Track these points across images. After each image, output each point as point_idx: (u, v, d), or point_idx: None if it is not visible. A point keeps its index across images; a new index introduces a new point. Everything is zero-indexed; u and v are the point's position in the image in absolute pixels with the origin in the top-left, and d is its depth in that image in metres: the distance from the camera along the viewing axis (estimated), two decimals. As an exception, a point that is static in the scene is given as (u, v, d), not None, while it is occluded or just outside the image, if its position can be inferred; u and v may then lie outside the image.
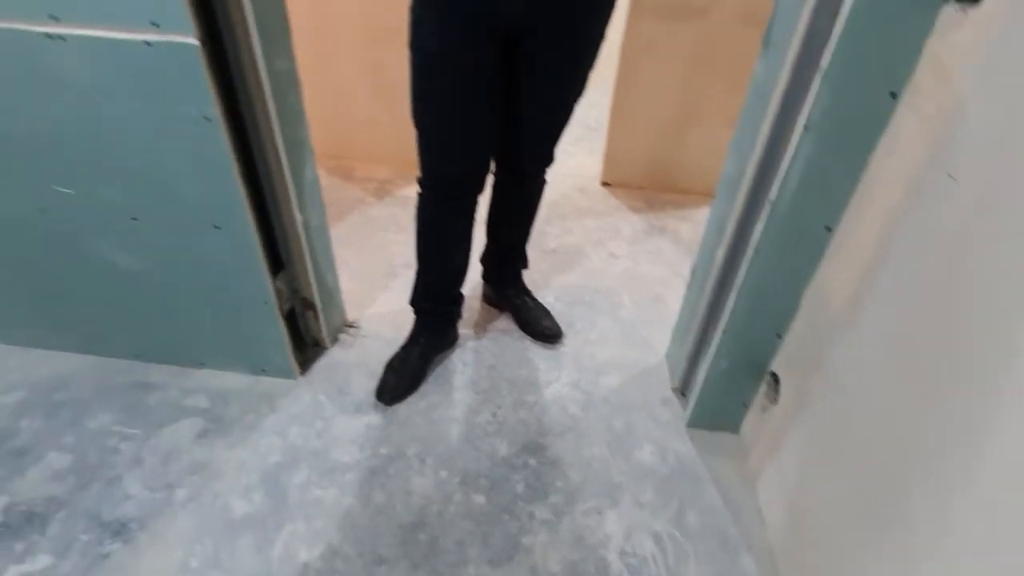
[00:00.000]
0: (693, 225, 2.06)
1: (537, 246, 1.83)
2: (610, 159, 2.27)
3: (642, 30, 1.92)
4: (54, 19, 0.85)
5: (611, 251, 1.91)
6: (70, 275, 1.20)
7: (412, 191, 1.19)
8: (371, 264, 1.75)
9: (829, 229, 0.95)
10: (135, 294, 1.21)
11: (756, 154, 0.98)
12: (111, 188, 1.04)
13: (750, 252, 1.00)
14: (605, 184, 2.31)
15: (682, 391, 1.36)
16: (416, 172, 1.15)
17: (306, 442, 1.20)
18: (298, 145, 1.13)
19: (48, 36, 0.86)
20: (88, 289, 1.22)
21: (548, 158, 1.24)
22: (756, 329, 1.09)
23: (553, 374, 1.42)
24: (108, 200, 1.06)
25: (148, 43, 0.85)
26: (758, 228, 0.97)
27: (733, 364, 1.14)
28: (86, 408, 1.23)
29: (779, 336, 1.09)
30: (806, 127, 0.85)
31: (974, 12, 0.69)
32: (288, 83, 1.07)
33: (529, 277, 1.61)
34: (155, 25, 0.84)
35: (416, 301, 1.37)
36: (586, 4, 1.00)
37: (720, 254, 1.13)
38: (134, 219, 1.08)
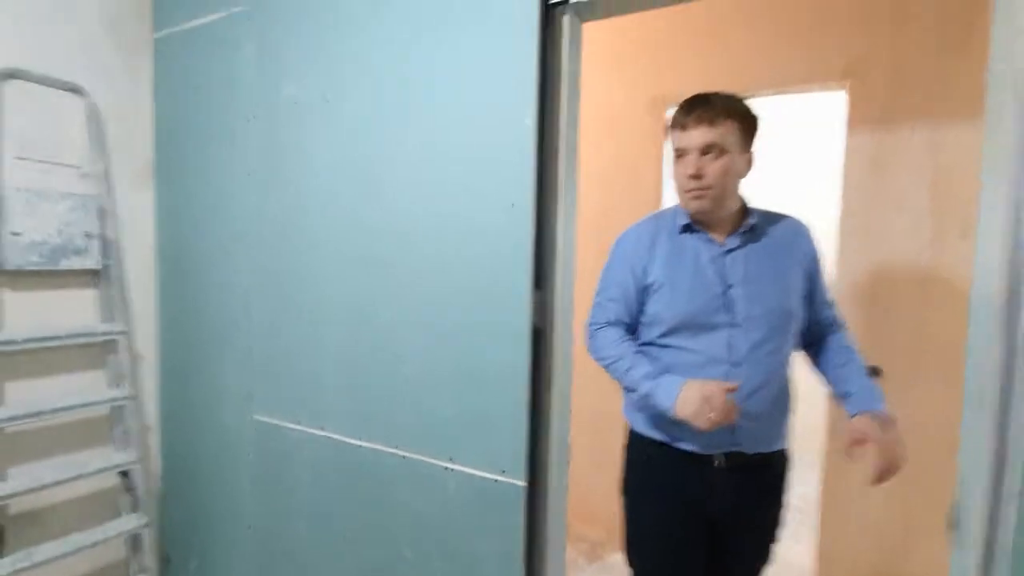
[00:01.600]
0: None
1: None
2: (825, 556, 2.24)
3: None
4: (451, 459, 1.48)
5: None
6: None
7: (620, 558, 1.42)
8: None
9: None
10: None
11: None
12: (434, 562, 1.53)
13: None
14: (821, 584, 2.23)
15: None
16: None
17: None
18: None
19: (444, 468, 1.48)
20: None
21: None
22: None
23: None
24: (432, 568, 1.53)
25: (496, 480, 1.41)
26: None
27: None
28: None
29: None
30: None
31: None
32: (560, 501, 1.53)
33: None
34: (503, 471, 1.40)
35: None
36: (771, 496, 1.38)
37: None
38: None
